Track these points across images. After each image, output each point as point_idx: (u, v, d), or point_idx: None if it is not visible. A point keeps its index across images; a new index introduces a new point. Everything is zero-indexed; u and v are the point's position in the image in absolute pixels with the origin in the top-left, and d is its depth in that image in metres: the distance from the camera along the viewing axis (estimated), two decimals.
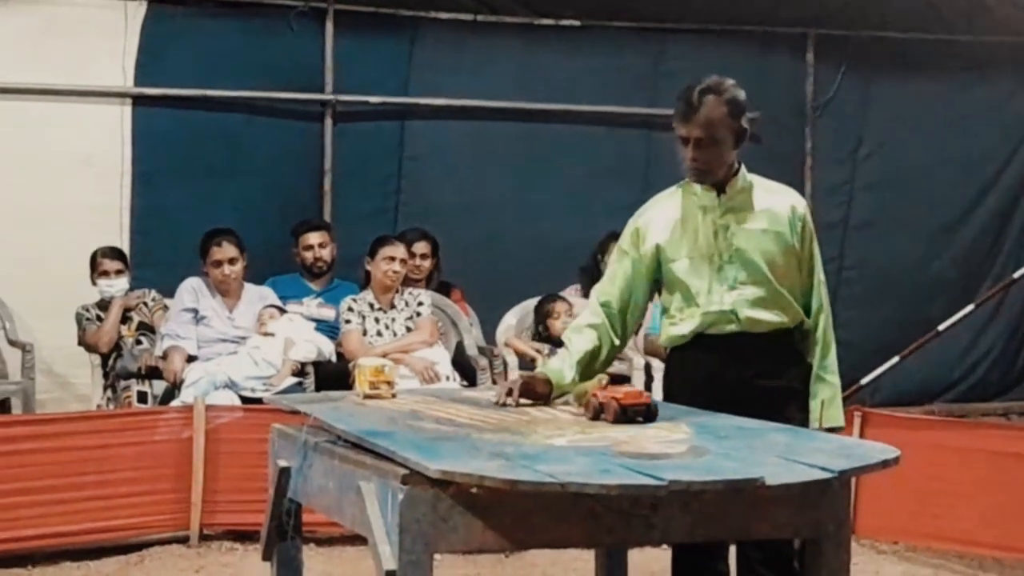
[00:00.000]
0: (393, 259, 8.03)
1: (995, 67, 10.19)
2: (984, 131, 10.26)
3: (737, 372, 4.37)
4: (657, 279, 4.54)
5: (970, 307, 9.41)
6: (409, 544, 3.19)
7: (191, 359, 7.65)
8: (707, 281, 4.40)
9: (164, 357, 7.67)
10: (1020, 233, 10.35)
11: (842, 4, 9.71)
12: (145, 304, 8.10)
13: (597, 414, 3.96)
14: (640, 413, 3.92)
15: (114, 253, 8.08)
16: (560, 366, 4.44)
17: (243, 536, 6.78)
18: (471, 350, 8.36)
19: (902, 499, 6.56)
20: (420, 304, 8.12)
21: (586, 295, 8.87)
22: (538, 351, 8.24)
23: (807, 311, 4.49)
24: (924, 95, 10.14)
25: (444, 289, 8.77)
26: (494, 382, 8.02)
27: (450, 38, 9.36)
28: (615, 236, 8.81)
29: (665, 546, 6.45)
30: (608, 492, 3.07)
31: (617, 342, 4.53)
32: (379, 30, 9.23)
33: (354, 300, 8.05)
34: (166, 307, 8.03)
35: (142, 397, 7.62)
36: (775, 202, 4.47)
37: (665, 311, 4.57)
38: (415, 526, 3.19)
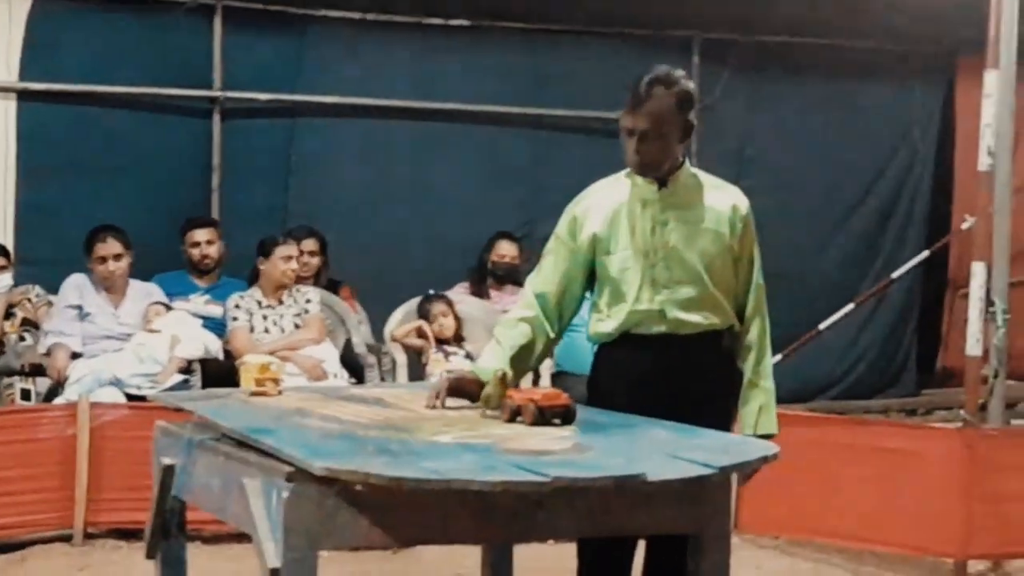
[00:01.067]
0: (291, 258, 8.02)
1: (877, 71, 10.37)
2: (866, 134, 10.45)
3: (662, 374, 4.25)
4: (593, 270, 4.37)
5: (850, 306, 9.57)
6: (294, 542, 3.19)
7: (75, 356, 7.57)
8: (639, 278, 4.25)
9: (48, 354, 7.58)
10: (899, 234, 10.55)
11: (727, 8, 9.83)
12: (29, 300, 8.00)
13: (514, 416, 3.86)
14: (558, 415, 3.83)
15: None
16: (489, 365, 4.25)
17: (128, 534, 6.72)
18: (359, 348, 8.36)
19: (783, 495, 6.63)
20: (308, 301, 8.10)
21: (474, 293, 8.92)
22: (423, 336, 8.24)
23: (741, 314, 4.36)
24: (807, 99, 10.30)
25: (333, 287, 8.76)
26: (382, 380, 8.03)
27: (340, 36, 9.34)
28: (504, 235, 9.04)
29: (551, 541, 6.57)
30: (493, 489, 3.09)
31: (552, 335, 4.36)
32: (269, 27, 9.19)
33: (241, 297, 8.01)
34: (50, 303, 7.94)
35: (25, 394, 7.53)
36: (717, 200, 4.31)
37: (594, 305, 4.40)
38: (300, 524, 3.19)
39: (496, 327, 4.48)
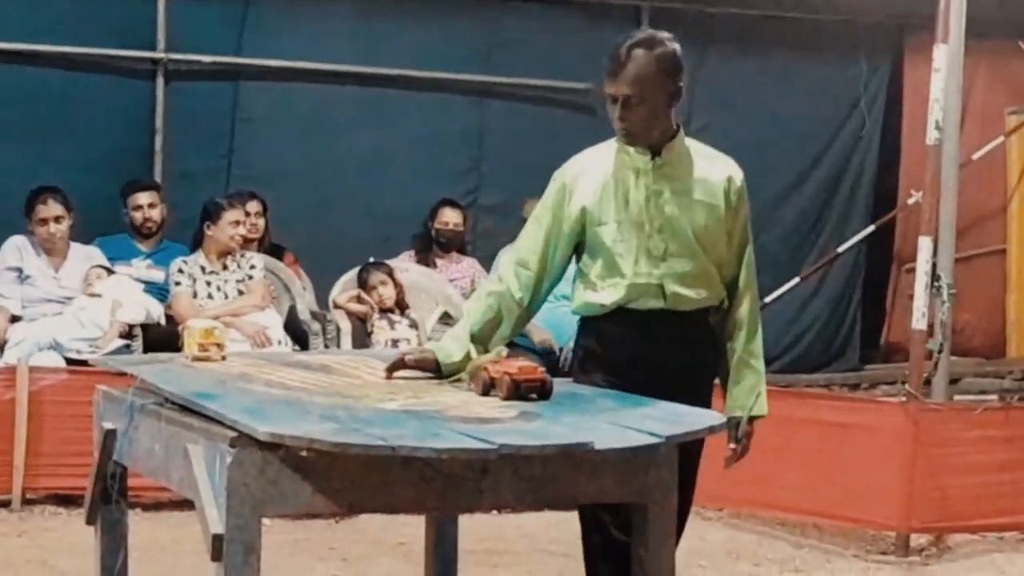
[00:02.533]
0: (239, 223, 7.98)
1: (824, 44, 10.38)
2: (812, 107, 10.46)
3: (653, 350, 4.08)
4: (580, 242, 4.17)
5: (795, 280, 9.62)
6: (237, 507, 3.16)
7: (15, 319, 7.49)
8: (635, 250, 4.06)
9: None
10: (844, 208, 10.57)
11: None
12: None
13: (487, 390, 3.73)
14: (534, 389, 3.68)
15: None
16: (447, 343, 4.12)
17: (67, 500, 6.68)
18: (303, 315, 8.30)
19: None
20: (252, 267, 8.04)
21: (420, 261, 8.89)
22: (369, 305, 8.19)
23: (730, 290, 4.21)
24: (755, 71, 10.28)
25: (277, 252, 8.70)
26: (326, 347, 7.98)
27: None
28: (447, 203, 9.01)
29: (495, 512, 6.58)
30: (439, 456, 3.07)
31: (524, 306, 4.16)
32: None
33: (184, 262, 7.94)
34: None
35: None
36: (711, 171, 4.14)
37: (583, 276, 4.18)
38: (243, 489, 3.15)
39: (469, 299, 4.36)
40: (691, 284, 4.10)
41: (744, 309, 4.20)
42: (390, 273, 8.34)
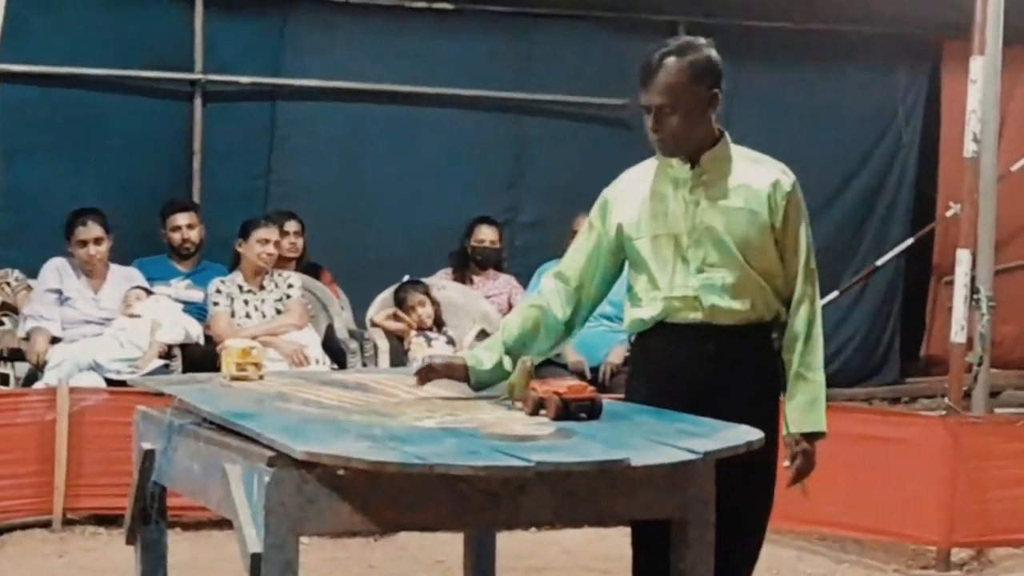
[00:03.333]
0: (267, 241, 7.98)
1: (862, 56, 10.34)
2: (849, 120, 10.41)
3: (699, 366, 3.96)
4: (624, 258, 4.10)
5: (834, 294, 9.57)
6: (275, 527, 3.16)
7: (55, 341, 7.52)
8: (671, 262, 3.97)
9: (27, 338, 7.53)
10: (882, 220, 10.52)
11: None
12: (8, 284, 7.94)
13: (537, 409, 3.68)
14: (584, 409, 3.63)
15: None
16: (479, 352, 4.09)
17: (107, 520, 6.70)
18: (341, 333, 8.32)
19: None
20: (290, 286, 8.07)
21: (456, 279, 8.90)
22: (407, 324, 8.21)
23: (788, 301, 4.02)
24: (791, 84, 10.25)
25: (314, 271, 8.73)
26: (364, 365, 7.99)
27: (322, 19, 9.29)
28: (484, 220, 9.02)
29: (534, 529, 6.57)
30: (475, 473, 3.08)
31: (561, 319, 4.09)
32: (249, 9, 9.15)
33: (222, 282, 7.97)
34: (30, 287, 7.89)
35: (4, 379, 7.51)
36: (756, 176, 3.97)
37: (630, 292, 4.11)
38: (281, 508, 3.16)
39: (505, 317, 4.32)
40: (733, 296, 3.95)
41: (800, 321, 4.01)
42: (427, 292, 8.35)
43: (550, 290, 4.14)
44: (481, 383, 4.06)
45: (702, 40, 4.01)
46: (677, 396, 3.91)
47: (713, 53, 3.97)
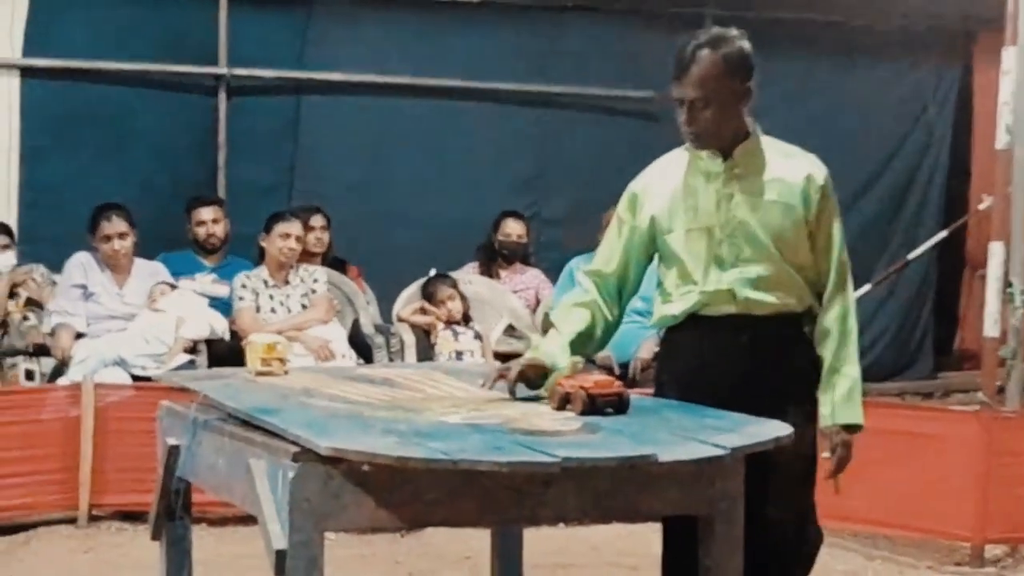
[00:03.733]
0: (289, 236, 7.94)
1: (892, 48, 10.28)
2: (881, 112, 10.36)
3: (732, 357, 3.94)
4: (655, 251, 4.08)
5: (865, 288, 9.48)
6: (299, 522, 3.14)
7: (80, 336, 7.51)
8: (705, 257, 3.94)
9: (52, 334, 7.52)
10: (914, 214, 10.47)
11: None
12: (33, 279, 7.92)
13: (563, 404, 3.62)
14: (611, 404, 3.59)
15: (0, 228, 7.92)
16: (553, 349, 3.99)
17: (132, 516, 6.68)
18: (367, 328, 8.29)
19: None
20: (315, 281, 8.04)
21: (483, 273, 8.87)
22: (436, 316, 8.18)
23: (821, 295, 4.01)
24: (821, 76, 10.20)
25: (340, 266, 8.71)
26: (390, 360, 7.97)
27: (346, 12, 9.27)
28: (510, 214, 8.98)
29: (562, 525, 6.53)
30: (500, 469, 3.04)
31: (611, 318, 4.07)
32: (274, 3, 9.15)
33: (248, 277, 7.94)
34: (55, 283, 7.87)
35: (29, 375, 7.47)
36: (789, 170, 3.96)
37: (660, 288, 4.09)
38: (305, 504, 3.14)
39: (553, 313, 4.21)
40: (768, 288, 3.94)
41: (833, 315, 4.00)
42: (455, 286, 8.33)
43: (593, 289, 4.09)
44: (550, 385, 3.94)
45: (734, 32, 3.97)
46: (708, 389, 3.89)
47: (746, 45, 3.95)
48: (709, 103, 3.87)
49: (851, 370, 4.02)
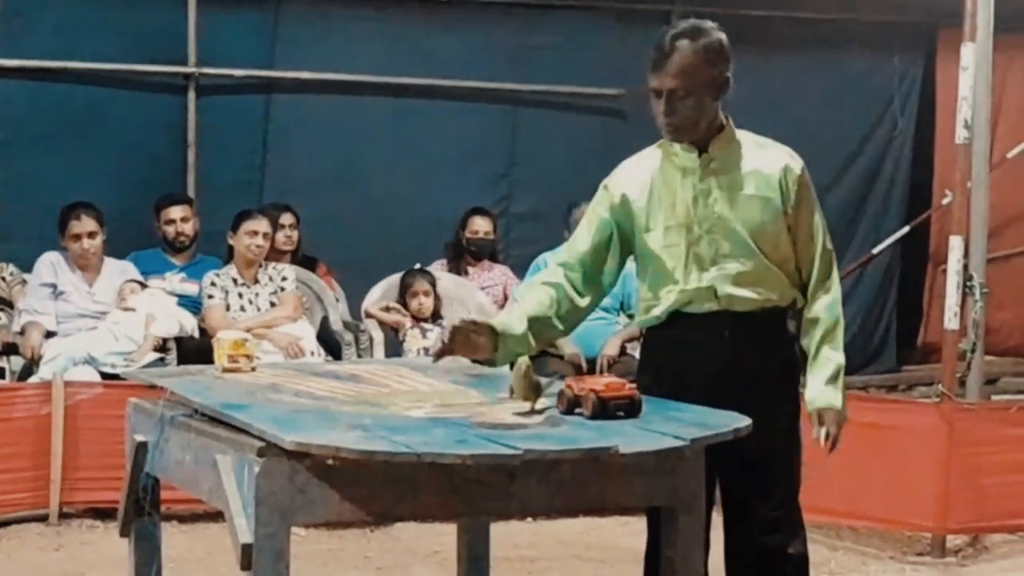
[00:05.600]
0: (256, 233, 7.96)
1: (856, 44, 10.32)
2: (845, 107, 10.40)
3: (713, 352, 3.94)
4: (630, 251, 4.06)
5: None
6: (266, 516, 3.17)
7: (50, 335, 7.52)
8: (683, 255, 3.92)
9: (22, 332, 7.53)
10: (878, 209, 10.51)
11: None
12: (3, 278, 7.96)
13: (572, 408, 3.54)
14: (622, 407, 3.50)
15: None
16: (508, 318, 3.96)
17: (103, 514, 6.69)
18: (336, 325, 8.32)
19: None
20: (284, 279, 8.07)
21: (451, 270, 8.90)
22: (401, 314, 8.22)
23: (804, 288, 4.02)
24: (786, 71, 10.20)
25: (310, 264, 8.73)
26: (359, 357, 8.00)
27: (315, 11, 9.27)
28: (478, 211, 9.01)
29: (530, 519, 6.58)
30: (464, 462, 3.08)
31: (579, 304, 4.02)
32: (243, 2, 9.14)
33: (217, 275, 7.97)
34: (24, 282, 7.90)
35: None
36: (765, 162, 3.95)
37: (640, 286, 4.09)
38: (271, 498, 3.17)
39: (515, 290, 4.24)
40: (748, 284, 3.93)
41: (820, 305, 4.00)
42: (433, 283, 8.33)
43: (561, 276, 4.06)
44: (507, 351, 3.92)
45: (710, 23, 3.97)
46: (692, 386, 3.88)
47: (723, 36, 3.95)
48: (689, 93, 3.85)
49: (835, 355, 4.01)
